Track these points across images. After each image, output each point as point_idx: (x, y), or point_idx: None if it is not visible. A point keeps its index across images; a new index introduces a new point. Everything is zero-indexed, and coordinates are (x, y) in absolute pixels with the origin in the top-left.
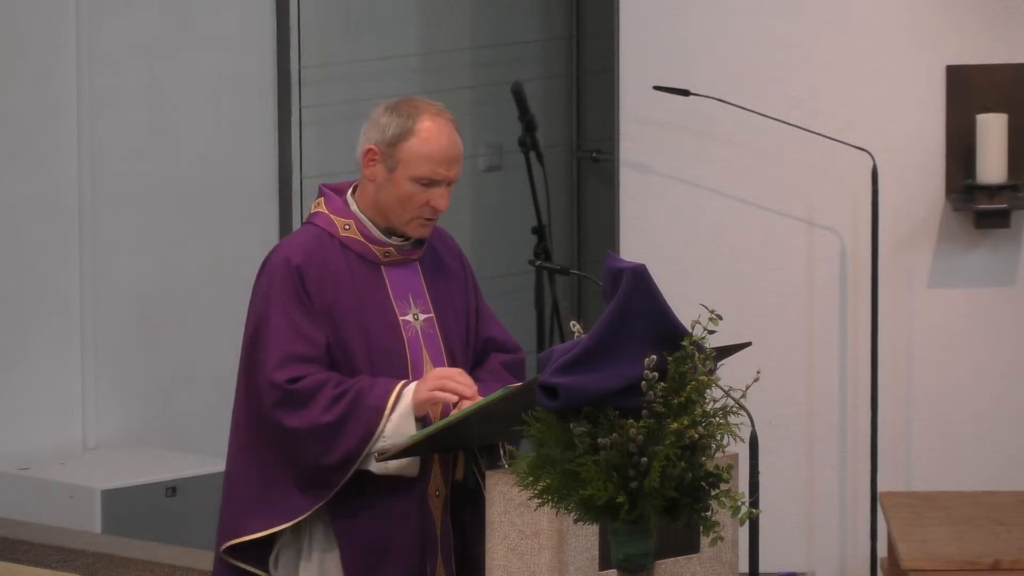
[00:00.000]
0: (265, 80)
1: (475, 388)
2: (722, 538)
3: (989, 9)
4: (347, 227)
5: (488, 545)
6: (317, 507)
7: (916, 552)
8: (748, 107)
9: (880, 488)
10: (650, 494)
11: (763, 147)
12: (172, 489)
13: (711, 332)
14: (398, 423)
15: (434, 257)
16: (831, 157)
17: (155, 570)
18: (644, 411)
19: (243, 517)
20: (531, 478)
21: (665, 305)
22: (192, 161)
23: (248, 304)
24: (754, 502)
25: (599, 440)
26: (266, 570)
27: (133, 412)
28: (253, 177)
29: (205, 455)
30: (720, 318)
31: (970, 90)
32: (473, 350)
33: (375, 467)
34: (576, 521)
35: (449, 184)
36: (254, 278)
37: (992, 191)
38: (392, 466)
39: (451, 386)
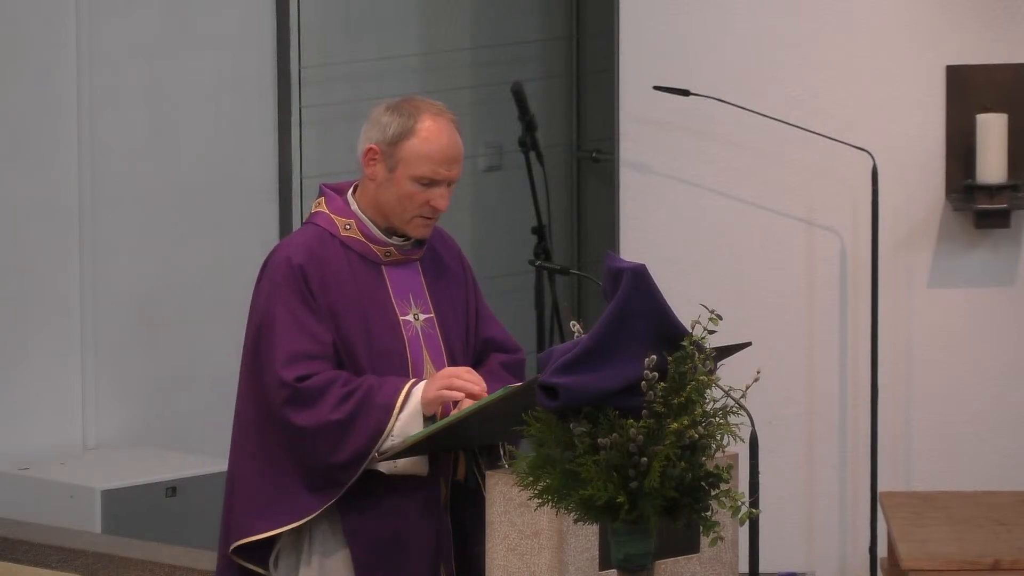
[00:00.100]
0: (265, 80)
1: (483, 384)
2: (722, 538)
3: (989, 9)
4: (348, 227)
5: (488, 545)
6: (326, 506)
7: (916, 552)
8: (748, 107)
9: (880, 488)
10: (650, 494)
11: (763, 147)
12: (172, 489)
13: (711, 332)
14: (406, 422)
15: (434, 257)
16: (831, 157)
17: (155, 570)
18: (644, 411)
19: (251, 516)
20: (531, 478)
21: (665, 305)
22: (192, 161)
23: (249, 304)
24: (754, 502)
25: (599, 440)
26: (267, 569)
27: (133, 412)
28: (253, 177)
29: (205, 455)
30: (720, 318)
31: (970, 90)
32: (473, 350)
33: (384, 467)
34: (576, 521)
35: (449, 184)
36: (254, 278)
37: (992, 191)
38: (401, 465)
39: (458, 384)
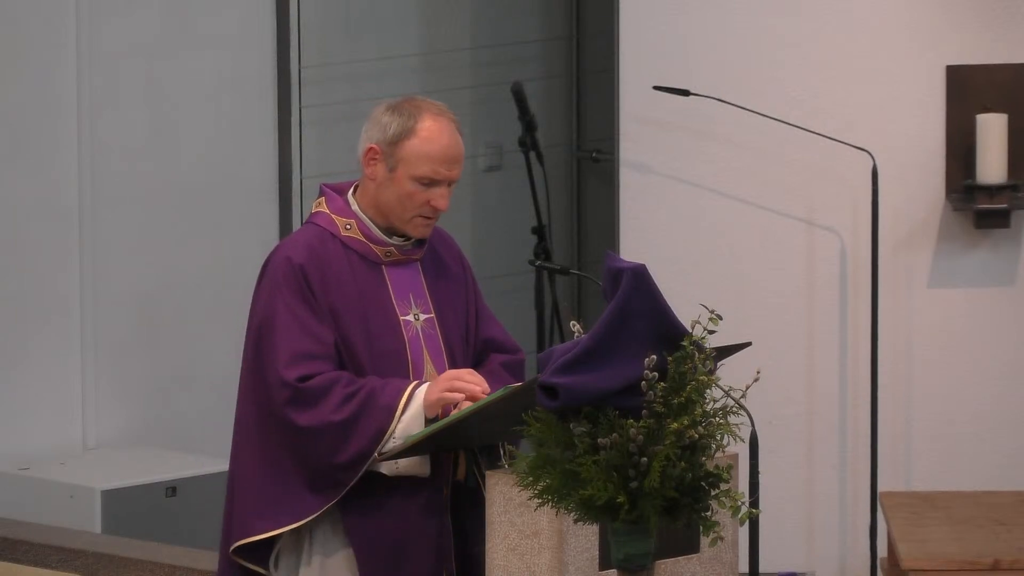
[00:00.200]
0: (265, 80)
1: (485, 384)
2: (722, 538)
3: (989, 9)
4: (348, 227)
5: (488, 545)
6: (327, 507)
7: (916, 552)
8: (748, 107)
9: (880, 488)
10: (650, 494)
11: (763, 147)
12: (172, 489)
13: (711, 332)
14: (408, 424)
15: (435, 257)
16: (831, 157)
17: (155, 570)
18: (644, 411)
19: (252, 517)
20: (531, 478)
21: (665, 305)
22: (192, 161)
23: (250, 304)
24: (754, 502)
25: (599, 440)
26: (268, 569)
27: (133, 412)
28: (253, 177)
29: (205, 455)
30: (720, 318)
31: (970, 90)
32: (473, 350)
33: (386, 468)
34: (576, 521)
35: (450, 184)
36: (254, 278)
37: (992, 191)
38: (403, 466)
39: (459, 385)
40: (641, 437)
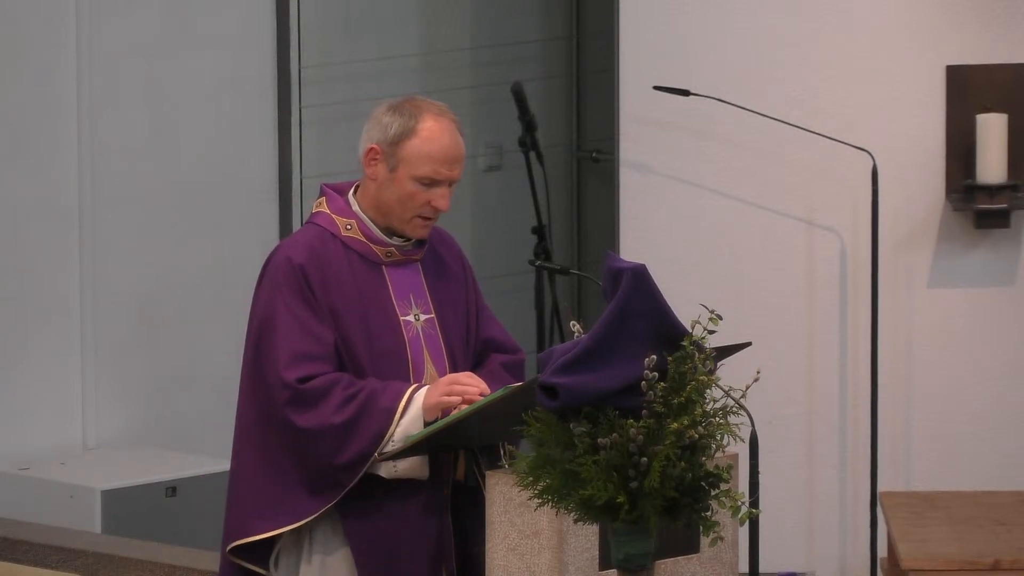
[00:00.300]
0: (265, 80)
1: (484, 386)
2: (722, 538)
3: (989, 9)
4: (349, 227)
5: (488, 545)
6: (326, 508)
7: (916, 552)
8: (748, 107)
9: (880, 488)
10: (650, 494)
11: (763, 147)
12: (172, 489)
13: (711, 332)
14: (407, 427)
15: (435, 257)
16: (831, 157)
17: (155, 570)
18: (644, 411)
19: (251, 516)
20: (531, 478)
21: (665, 305)
22: (192, 161)
23: (250, 304)
24: (754, 502)
25: (599, 440)
26: (268, 569)
27: (133, 412)
28: (253, 177)
29: (205, 455)
30: (720, 318)
31: (970, 90)
32: (473, 350)
33: (384, 471)
34: (576, 521)
35: (451, 184)
36: (254, 278)
37: (992, 191)
38: (401, 468)
39: (457, 389)
40: (641, 437)
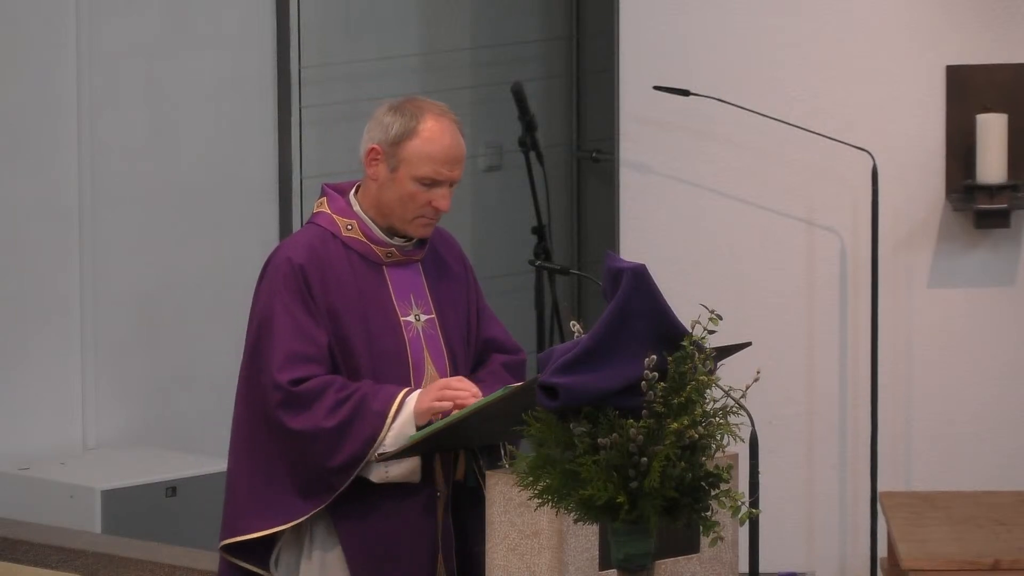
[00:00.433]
0: (265, 80)
1: (476, 389)
2: (722, 538)
3: (989, 9)
4: (349, 227)
5: (488, 545)
6: (317, 510)
7: (916, 552)
8: (748, 107)
9: (880, 488)
10: (650, 494)
11: (763, 147)
12: (172, 489)
13: (711, 332)
14: (399, 431)
15: (436, 258)
16: (831, 157)
17: (155, 570)
18: (644, 411)
19: (243, 516)
20: (531, 478)
21: (665, 305)
22: (192, 161)
23: (250, 304)
24: (754, 502)
25: (599, 440)
26: (268, 570)
27: (133, 412)
28: (253, 177)
29: (205, 455)
30: (720, 318)
31: (970, 90)
32: (474, 350)
33: (375, 476)
34: (576, 521)
35: (451, 184)
36: (254, 278)
37: (992, 191)
38: (393, 473)
39: (449, 394)
40: (641, 437)
